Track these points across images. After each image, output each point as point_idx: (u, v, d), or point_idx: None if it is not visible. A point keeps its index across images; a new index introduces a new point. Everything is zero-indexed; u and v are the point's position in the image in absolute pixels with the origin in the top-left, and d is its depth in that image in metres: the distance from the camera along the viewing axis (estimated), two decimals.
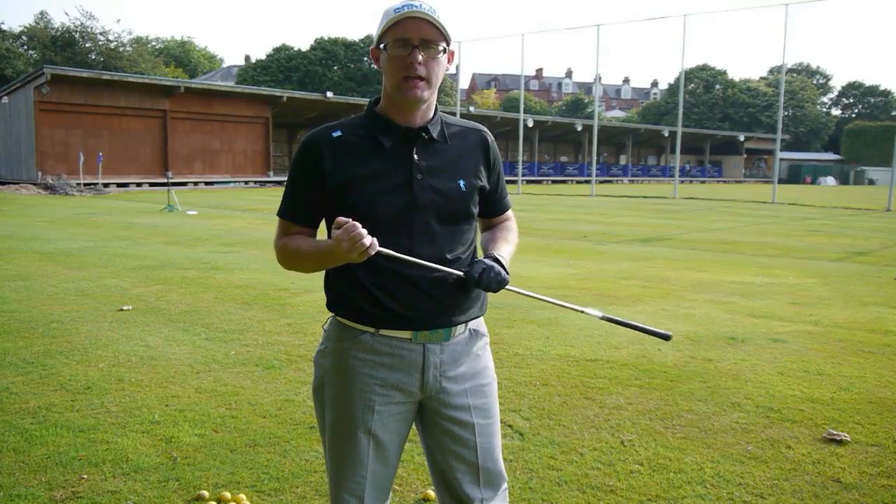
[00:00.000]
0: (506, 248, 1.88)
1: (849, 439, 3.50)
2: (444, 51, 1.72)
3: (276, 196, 27.06)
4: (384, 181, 1.71)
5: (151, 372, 4.45)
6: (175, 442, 3.38)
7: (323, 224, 1.85)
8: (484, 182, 1.86)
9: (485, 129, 1.92)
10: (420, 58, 1.68)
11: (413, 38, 1.67)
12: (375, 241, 1.59)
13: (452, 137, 1.83)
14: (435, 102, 1.81)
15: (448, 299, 1.77)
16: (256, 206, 20.42)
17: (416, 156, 1.75)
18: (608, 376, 4.48)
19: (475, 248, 1.87)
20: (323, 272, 1.83)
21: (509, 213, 2.02)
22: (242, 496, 2.82)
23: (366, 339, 1.77)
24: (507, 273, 1.76)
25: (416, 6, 1.67)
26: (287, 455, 3.25)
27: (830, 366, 4.79)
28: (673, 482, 3.04)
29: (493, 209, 1.96)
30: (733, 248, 12.10)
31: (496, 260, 1.77)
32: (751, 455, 3.33)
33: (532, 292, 1.90)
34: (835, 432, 3.55)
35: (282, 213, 1.83)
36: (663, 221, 18.10)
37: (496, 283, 1.72)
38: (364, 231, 1.57)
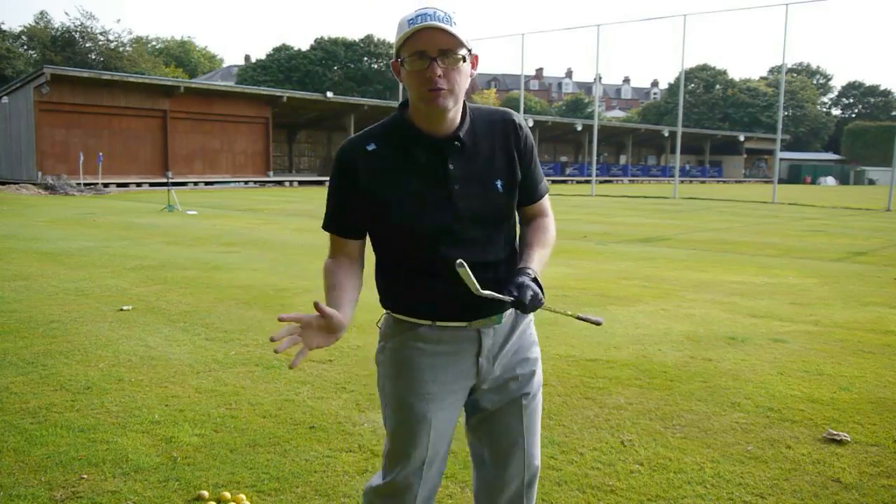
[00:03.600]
0: (539, 258, 1.83)
1: (849, 439, 3.50)
2: (465, 58, 1.67)
3: (276, 196, 27.03)
4: (424, 197, 1.72)
5: (151, 372, 4.45)
6: (175, 442, 3.38)
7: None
8: (519, 174, 1.84)
9: (512, 112, 1.86)
10: (439, 71, 1.63)
11: (430, 49, 1.63)
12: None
13: (483, 134, 1.79)
14: (461, 108, 1.77)
15: (498, 290, 1.78)
16: (256, 206, 20.43)
17: (450, 166, 1.74)
18: (608, 376, 4.48)
19: (515, 235, 1.90)
20: (374, 266, 1.87)
21: (545, 203, 1.95)
22: (242, 496, 2.82)
23: (423, 330, 1.81)
24: (543, 293, 1.74)
25: (430, 15, 1.62)
26: (287, 455, 3.25)
27: (830, 366, 4.79)
28: (673, 482, 3.04)
29: (527, 196, 1.89)
30: (733, 248, 12.10)
31: (535, 280, 1.74)
32: (751, 455, 3.33)
33: (561, 309, 1.89)
34: (835, 432, 3.55)
35: (326, 227, 1.85)
36: (663, 221, 18.10)
37: (536, 305, 1.71)
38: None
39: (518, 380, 1.90)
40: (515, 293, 1.69)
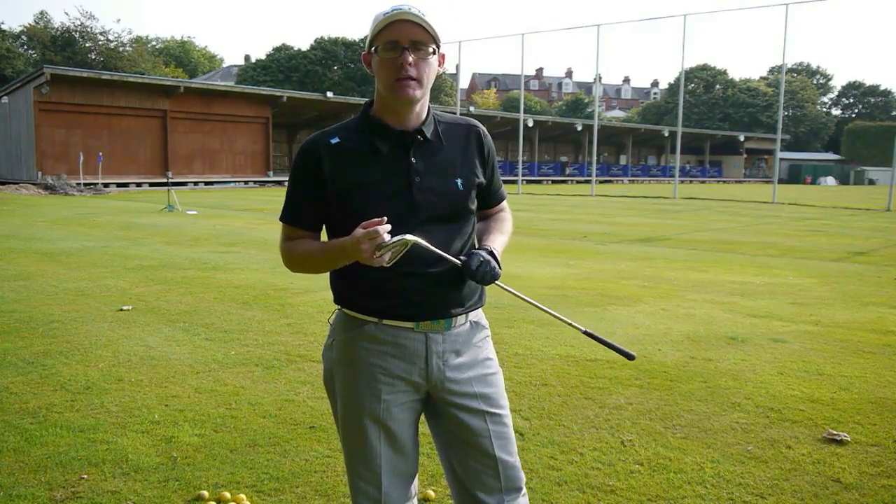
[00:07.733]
0: (499, 240, 1.91)
1: (849, 439, 3.50)
2: (435, 53, 1.75)
3: (276, 196, 27.00)
4: (384, 187, 1.75)
5: (151, 372, 4.45)
6: (175, 442, 3.38)
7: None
8: (481, 178, 1.89)
9: (477, 122, 1.94)
10: (411, 59, 1.70)
11: (403, 40, 1.70)
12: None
13: (447, 136, 1.85)
14: (427, 103, 1.83)
15: (446, 291, 1.80)
16: (256, 206, 20.42)
17: (413, 159, 1.78)
18: (608, 376, 4.48)
19: (473, 241, 1.90)
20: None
21: (504, 203, 2.05)
22: (242, 496, 2.82)
23: (370, 328, 1.80)
24: (500, 267, 1.79)
25: (405, 8, 1.69)
26: (287, 455, 3.25)
27: (830, 366, 4.79)
28: (673, 482, 3.04)
29: (488, 201, 1.98)
30: (733, 248, 12.10)
31: (491, 253, 1.79)
32: (751, 455, 3.33)
33: (520, 293, 1.90)
34: (835, 432, 3.55)
35: (284, 218, 1.86)
36: (663, 221, 18.10)
37: (490, 276, 1.76)
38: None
39: (483, 398, 1.84)
40: (464, 258, 1.74)
